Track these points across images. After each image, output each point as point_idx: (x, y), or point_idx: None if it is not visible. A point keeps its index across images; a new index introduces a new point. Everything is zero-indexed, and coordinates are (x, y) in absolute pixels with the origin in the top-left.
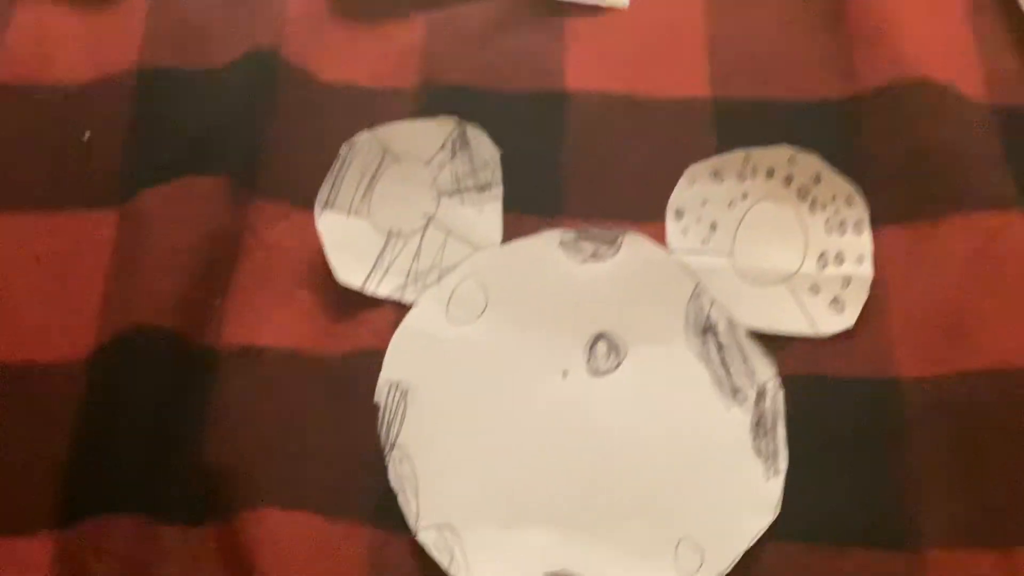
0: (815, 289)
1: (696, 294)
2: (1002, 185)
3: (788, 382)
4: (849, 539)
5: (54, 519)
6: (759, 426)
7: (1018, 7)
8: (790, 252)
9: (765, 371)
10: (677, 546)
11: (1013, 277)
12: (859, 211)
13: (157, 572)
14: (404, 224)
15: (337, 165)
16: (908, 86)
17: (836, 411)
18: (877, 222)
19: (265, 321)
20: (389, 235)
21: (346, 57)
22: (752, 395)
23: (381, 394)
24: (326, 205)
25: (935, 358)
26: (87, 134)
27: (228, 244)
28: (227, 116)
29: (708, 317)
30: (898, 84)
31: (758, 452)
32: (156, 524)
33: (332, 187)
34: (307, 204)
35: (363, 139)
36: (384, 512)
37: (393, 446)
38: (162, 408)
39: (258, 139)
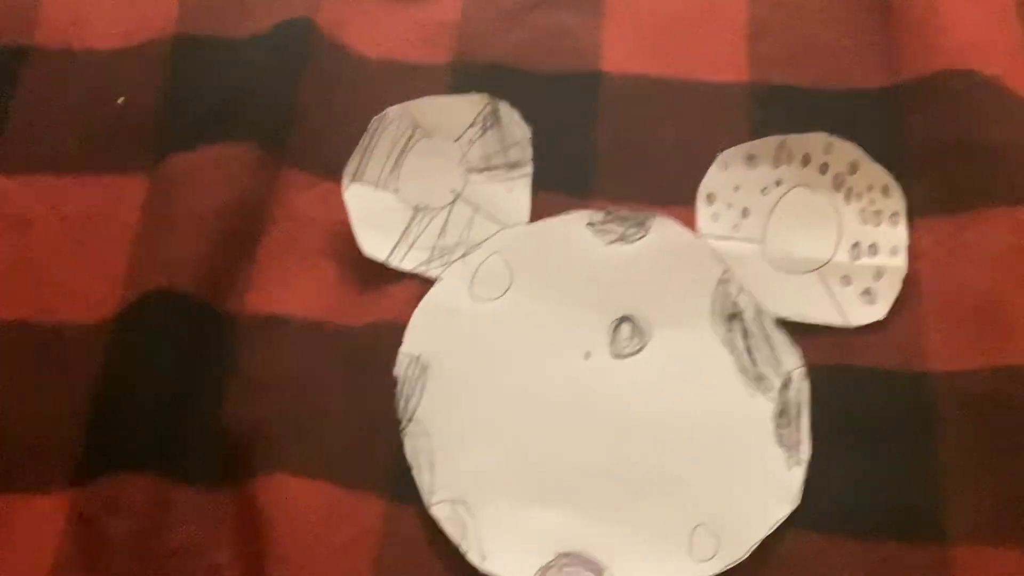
0: (847, 280)
1: (724, 280)
2: None
3: (815, 372)
4: (871, 531)
5: (71, 477)
6: (783, 415)
7: None
8: (823, 241)
9: (791, 360)
10: (693, 532)
11: None
12: (895, 202)
13: (171, 533)
14: (431, 199)
15: (367, 138)
16: (952, 77)
17: (863, 403)
18: (913, 213)
19: (289, 290)
20: (416, 209)
21: (381, 30)
22: (777, 384)
23: (401, 367)
24: (354, 177)
25: (967, 352)
26: (121, 99)
27: (255, 212)
28: (259, 85)
29: (735, 303)
30: (942, 75)
31: (780, 441)
32: (172, 485)
33: (361, 159)
34: (335, 175)
35: (394, 112)
36: (398, 484)
37: (410, 419)
38: (183, 371)
39: (289, 109)
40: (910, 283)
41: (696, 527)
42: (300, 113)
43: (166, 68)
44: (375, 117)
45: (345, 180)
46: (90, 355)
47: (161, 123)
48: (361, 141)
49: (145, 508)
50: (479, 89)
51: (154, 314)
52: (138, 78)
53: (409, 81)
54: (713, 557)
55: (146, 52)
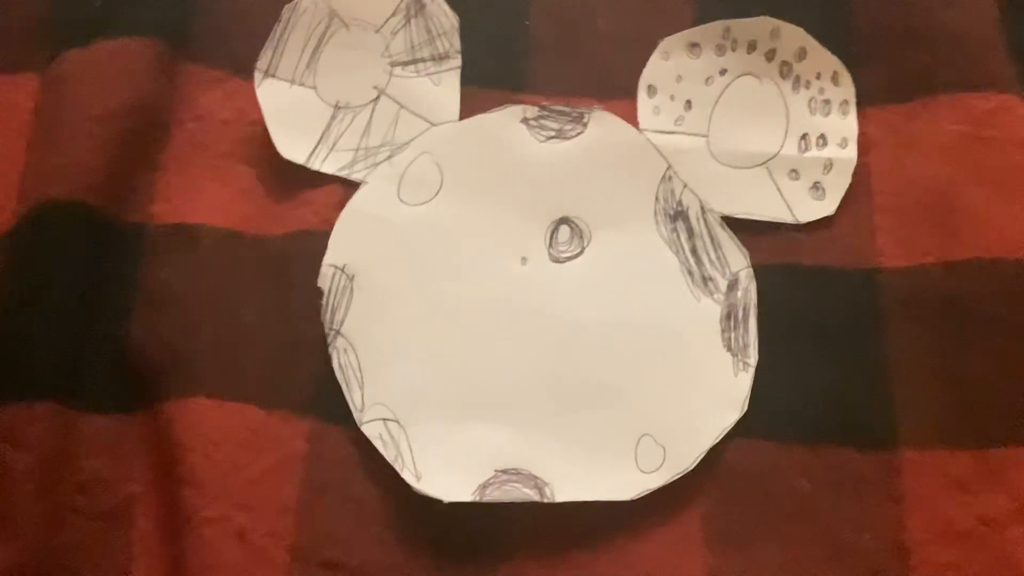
0: (795, 173)
1: (667, 177)
2: (997, 65)
3: (762, 272)
4: (820, 437)
5: None
6: (729, 318)
7: None
8: (770, 133)
9: (738, 260)
10: (638, 442)
11: (1004, 163)
12: (845, 90)
13: (78, 463)
14: (353, 96)
15: (278, 29)
16: None
17: (813, 303)
18: (863, 102)
19: (199, 197)
20: (336, 107)
21: None
22: (723, 285)
23: (325, 278)
24: (266, 73)
25: (918, 247)
26: None
27: (158, 113)
28: None
29: (679, 202)
30: None
31: (727, 346)
32: (77, 413)
33: (273, 53)
34: (244, 71)
35: (308, 1)
36: (325, 403)
37: (337, 334)
38: (84, 289)
39: None
40: (859, 176)
41: (641, 437)
42: (204, 3)
43: None
44: (287, 6)
45: (257, 76)
46: None
47: (52, 17)
48: (272, 33)
49: (48, 439)
50: None
51: (50, 228)
52: None
53: None
54: (659, 468)
55: None
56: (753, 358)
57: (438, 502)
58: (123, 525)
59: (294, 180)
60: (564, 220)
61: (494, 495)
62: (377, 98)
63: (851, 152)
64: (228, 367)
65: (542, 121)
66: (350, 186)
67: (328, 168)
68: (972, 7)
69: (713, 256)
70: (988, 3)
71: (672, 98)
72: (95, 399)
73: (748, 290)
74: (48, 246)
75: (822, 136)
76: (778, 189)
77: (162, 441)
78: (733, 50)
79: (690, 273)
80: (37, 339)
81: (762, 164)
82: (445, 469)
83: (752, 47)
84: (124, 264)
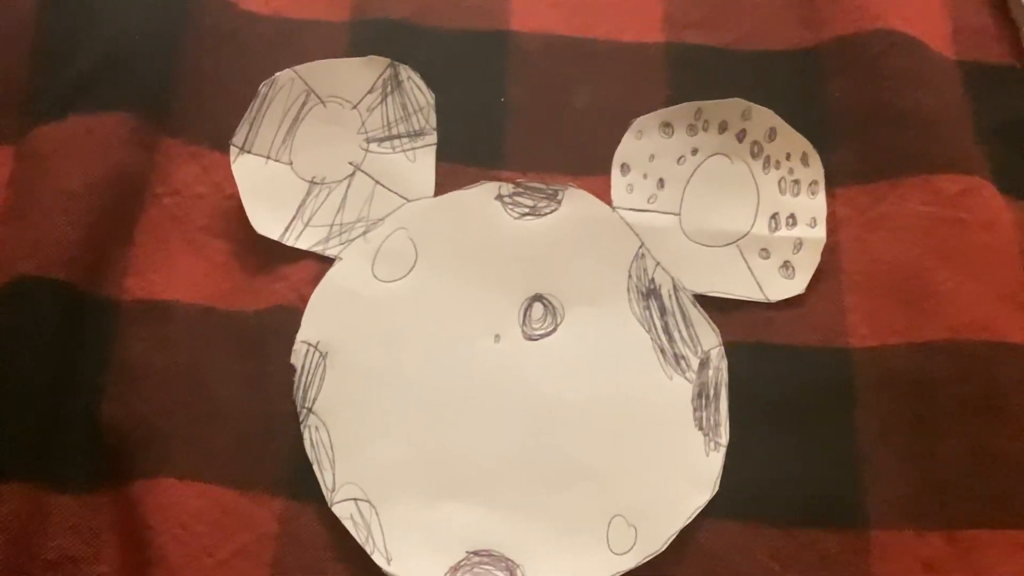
0: (765, 252)
1: (640, 255)
2: (965, 146)
3: (733, 350)
4: (791, 518)
5: None
6: (701, 397)
7: None
8: (741, 212)
9: (710, 339)
10: (610, 523)
11: (971, 245)
12: (814, 171)
13: (46, 545)
14: (328, 171)
15: (256, 104)
16: (872, 37)
17: (783, 381)
18: (833, 182)
19: (173, 273)
20: (312, 183)
21: None
22: (695, 363)
23: (298, 355)
24: (243, 148)
25: (887, 327)
26: None
27: (133, 188)
28: (136, 46)
29: (652, 280)
30: (862, 34)
31: (699, 425)
32: (45, 493)
33: (250, 128)
34: (221, 146)
35: (285, 77)
36: (296, 483)
37: (309, 412)
38: (55, 365)
39: (169, 72)
40: (829, 255)
41: (613, 518)
42: (182, 77)
43: (31, 27)
44: (264, 82)
45: (232, 151)
46: None
47: (27, 89)
48: (250, 108)
49: (17, 519)
50: (379, 49)
51: (21, 302)
52: (1, 37)
53: (304, 41)
54: (631, 549)
55: (9, 11)
56: (724, 437)
57: None
58: None
59: (269, 255)
60: (538, 297)
61: None
62: (353, 174)
63: (820, 232)
64: (200, 446)
65: (516, 198)
66: (325, 262)
67: (303, 244)
68: (940, 90)
69: (685, 334)
70: (955, 86)
71: (645, 176)
72: (65, 478)
73: (720, 368)
74: (20, 321)
75: (792, 216)
76: (749, 268)
77: (130, 522)
78: (705, 130)
79: (662, 351)
80: (8, 416)
81: (733, 243)
82: (416, 551)
83: (723, 127)
84: (97, 339)
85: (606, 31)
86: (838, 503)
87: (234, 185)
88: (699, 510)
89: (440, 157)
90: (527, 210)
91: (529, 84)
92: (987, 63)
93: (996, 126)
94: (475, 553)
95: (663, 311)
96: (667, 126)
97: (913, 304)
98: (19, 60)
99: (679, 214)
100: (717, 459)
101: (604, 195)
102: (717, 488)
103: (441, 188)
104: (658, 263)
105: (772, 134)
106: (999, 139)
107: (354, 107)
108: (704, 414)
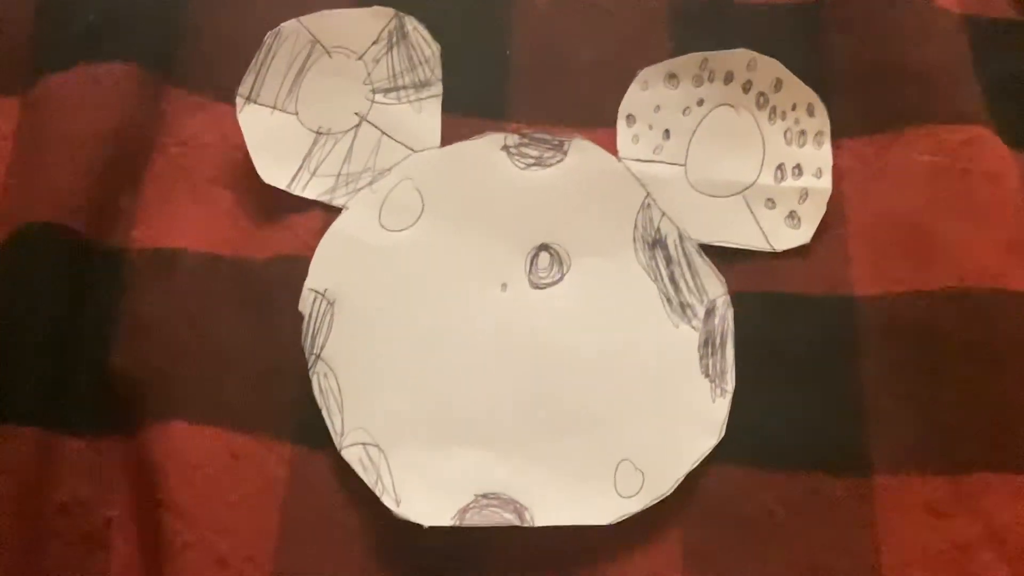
0: (771, 202)
1: (645, 205)
2: (968, 98)
3: (739, 299)
4: (796, 463)
5: None
6: (707, 345)
7: None
8: (747, 163)
9: (715, 288)
10: (617, 467)
11: (975, 194)
12: (819, 122)
13: (57, 488)
14: (334, 122)
15: (261, 55)
16: None
17: (788, 330)
18: (837, 133)
19: (180, 222)
20: (318, 133)
21: None
22: (701, 312)
23: (306, 303)
24: (248, 98)
25: (892, 276)
26: None
27: (140, 137)
28: None
29: (658, 230)
30: None
31: (705, 372)
32: (56, 437)
33: (255, 79)
34: (226, 97)
35: (290, 27)
36: (306, 428)
37: (317, 358)
38: (64, 313)
39: (174, 23)
40: (834, 206)
41: (620, 462)
42: (186, 28)
43: None
44: (269, 32)
45: (239, 101)
46: None
47: (33, 40)
48: (255, 59)
49: (28, 463)
50: (384, 3)
51: (30, 251)
52: None
53: None
54: (638, 492)
55: None
56: (730, 384)
57: (418, 527)
58: (102, 549)
59: (276, 205)
60: (544, 247)
61: (474, 519)
62: (358, 124)
63: (826, 182)
64: (209, 392)
65: (522, 149)
66: (331, 211)
67: (310, 193)
68: (943, 43)
69: (691, 283)
70: (959, 39)
71: (651, 127)
72: (75, 423)
73: (725, 317)
74: (30, 268)
75: (797, 166)
76: (755, 218)
77: (142, 465)
78: (710, 81)
79: (668, 300)
80: (18, 363)
81: (739, 193)
82: (425, 494)
83: (729, 78)
84: (105, 287)
85: None
86: (843, 449)
87: (240, 136)
88: (705, 455)
89: (445, 109)
90: (533, 160)
91: (533, 37)
92: (991, 17)
93: (1000, 80)
94: (483, 496)
95: (669, 261)
96: (673, 77)
97: (918, 253)
98: (24, 16)
99: (685, 165)
100: (723, 405)
101: (609, 147)
102: (723, 433)
103: (446, 140)
104: (664, 213)
105: (778, 85)
106: (1003, 93)
107: (359, 58)
108: (710, 361)
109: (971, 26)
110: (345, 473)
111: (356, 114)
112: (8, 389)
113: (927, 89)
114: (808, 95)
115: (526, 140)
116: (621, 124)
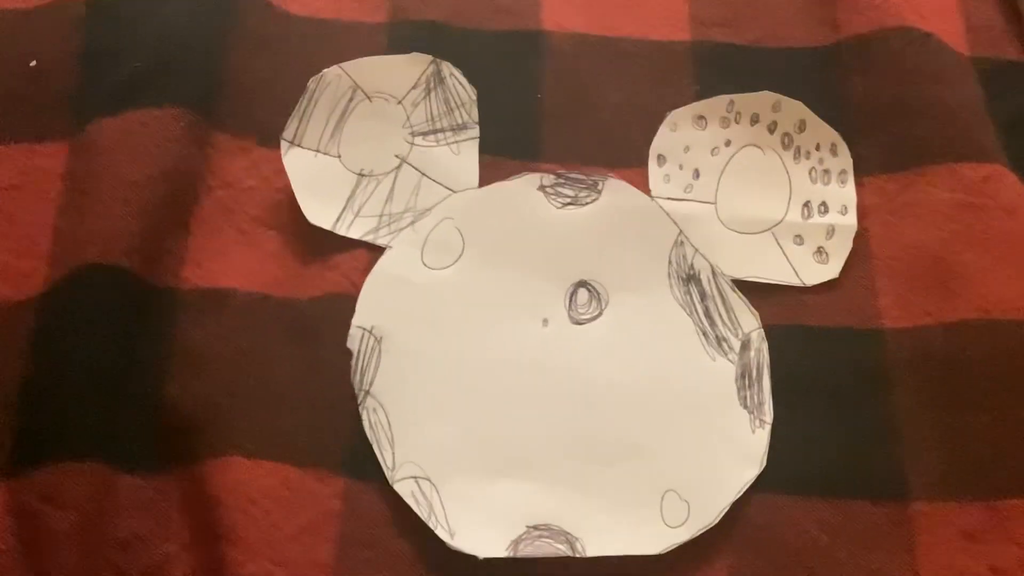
0: (799, 239)
1: (679, 242)
2: (984, 136)
3: (772, 332)
4: (835, 491)
5: (5, 468)
6: (744, 377)
7: None
8: (774, 200)
9: (749, 322)
10: (663, 498)
11: (995, 228)
12: (843, 160)
13: (116, 524)
14: (376, 164)
15: (304, 100)
16: (890, 34)
17: (821, 362)
18: (860, 171)
19: (229, 262)
20: (360, 175)
21: None
22: (737, 345)
23: (354, 340)
24: (293, 142)
25: (918, 309)
26: (33, 62)
27: (186, 180)
28: (183, 45)
29: (692, 265)
30: (880, 32)
31: (743, 403)
32: (115, 473)
33: (299, 123)
34: (270, 141)
35: (332, 73)
36: (357, 462)
37: (367, 394)
38: (119, 351)
39: (217, 70)
40: (859, 242)
41: (665, 493)
42: (228, 75)
43: (81, 28)
44: (312, 78)
45: (283, 145)
46: (17, 336)
47: (79, 87)
48: (299, 104)
49: (88, 499)
50: (417, 49)
51: (86, 290)
52: (51, 39)
53: (343, 41)
54: (685, 522)
55: (59, 11)
56: (769, 415)
57: (473, 558)
58: None
59: (320, 245)
60: (582, 283)
61: (527, 550)
62: (399, 166)
63: (851, 219)
64: (263, 426)
65: (558, 188)
66: (375, 250)
67: (354, 233)
68: (959, 83)
69: (726, 317)
70: (970, 81)
71: (681, 167)
72: (133, 458)
73: (760, 350)
74: (85, 307)
75: (823, 203)
76: (784, 253)
77: (199, 499)
78: (737, 122)
79: (704, 334)
80: (78, 399)
81: (768, 230)
82: (478, 526)
83: (755, 119)
84: (157, 325)
85: (634, 30)
86: (880, 477)
87: (282, 178)
88: (748, 485)
89: (482, 150)
90: (568, 200)
91: (563, 81)
92: (999, 59)
93: (1009, 120)
94: (534, 527)
95: (703, 296)
96: (700, 119)
97: (942, 286)
98: (69, 61)
99: (715, 203)
100: (763, 436)
101: (641, 186)
102: (765, 464)
103: (484, 180)
104: (696, 250)
105: (802, 125)
106: (1013, 133)
107: (399, 102)
108: (748, 393)
109: (980, 68)
110: (397, 504)
111: (397, 156)
112: (66, 427)
113: (945, 127)
114: (831, 135)
115: (561, 180)
116: (652, 164)
